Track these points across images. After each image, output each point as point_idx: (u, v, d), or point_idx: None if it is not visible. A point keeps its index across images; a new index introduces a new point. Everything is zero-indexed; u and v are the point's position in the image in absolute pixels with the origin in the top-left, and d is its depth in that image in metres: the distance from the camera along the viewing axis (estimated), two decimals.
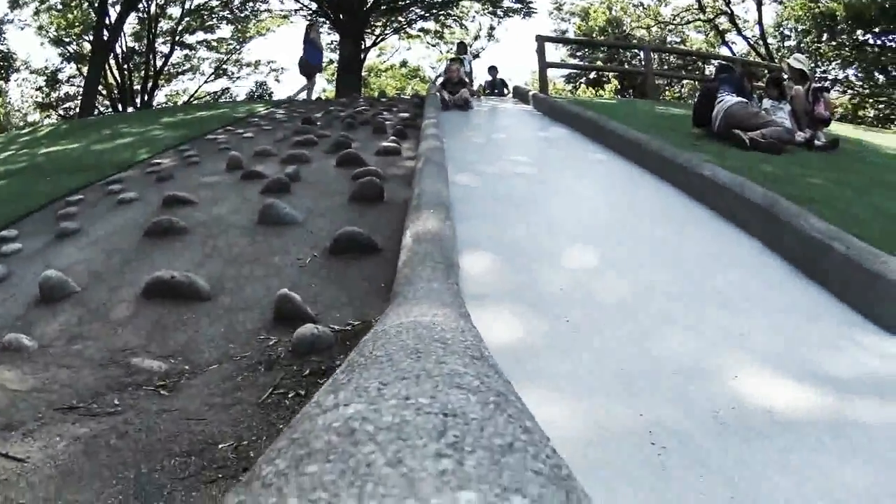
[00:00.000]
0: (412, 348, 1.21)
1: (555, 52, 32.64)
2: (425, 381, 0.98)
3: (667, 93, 27.20)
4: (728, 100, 6.62)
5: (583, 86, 30.43)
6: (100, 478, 1.63)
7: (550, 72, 15.86)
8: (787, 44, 25.25)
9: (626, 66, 19.73)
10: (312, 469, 0.70)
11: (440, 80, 11.74)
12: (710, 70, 23.31)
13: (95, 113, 20.48)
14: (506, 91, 15.39)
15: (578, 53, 28.65)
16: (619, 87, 28.55)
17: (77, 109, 19.15)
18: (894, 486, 1.71)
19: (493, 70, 16.19)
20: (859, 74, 23.17)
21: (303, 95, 14.01)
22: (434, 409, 0.85)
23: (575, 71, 29.53)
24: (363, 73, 26.12)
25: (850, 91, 23.82)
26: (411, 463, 0.68)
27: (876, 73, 22.50)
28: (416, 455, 0.70)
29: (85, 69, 22.41)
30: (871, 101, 23.13)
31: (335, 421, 0.83)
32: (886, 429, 2.00)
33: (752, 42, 26.46)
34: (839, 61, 23.20)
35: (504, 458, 0.72)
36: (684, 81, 27.21)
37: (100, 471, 1.66)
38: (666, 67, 25.62)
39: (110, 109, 24.80)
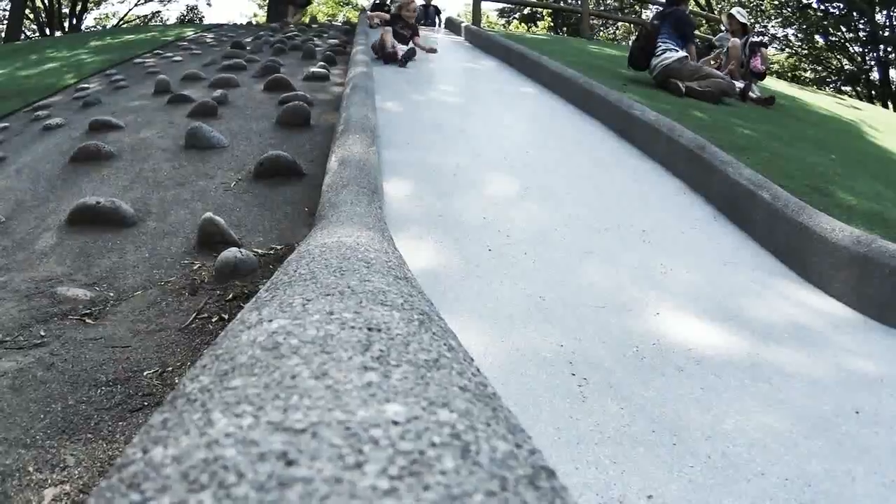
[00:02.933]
0: (336, 267, 1.21)
1: None
2: (349, 297, 0.98)
3: (601, 34, 27.19)
4: (671, 55, 6.62)
5: (516, 21, 30.25)
6: (28, 412, 1.61)
7: (484, 5, 15.47)
8: None
9: (562, 4, 19.54)
10: (237, 383, 0.69)
11: (372, 11, 11.01)
12: (647, 14, 23.23)
13: (22, 38, 19.29)
14: (438, 21, 14.81)
15: None
16: (552, 24, 28.43)
17: (2, 34, 18.00)
18: (809, 430, 1.78)
19: None
20: (799, 35, 23.59)
21: (297, 18, 13.45)
22: (358, 324, 0.84)
23: (509, 5, 29.29)
24: None
25: (787, 50, 24.30)
26: (336, 375, 0.68)
27: (816, 36, 22.92)
28: (341, 368, 0.70)
29: None
30: (808, 62, 23.64)
31: (259, 336, 0.82)
32: (803, 375, 2.08)
33: None
34: (780, 20, 23.53)
35: (430, 374, 0.73)
36: (619, 24, 27.16)
37: (28, 406, 1.64)
38: (602, 8, 25.47)
39: (37, 34, 23.66)
